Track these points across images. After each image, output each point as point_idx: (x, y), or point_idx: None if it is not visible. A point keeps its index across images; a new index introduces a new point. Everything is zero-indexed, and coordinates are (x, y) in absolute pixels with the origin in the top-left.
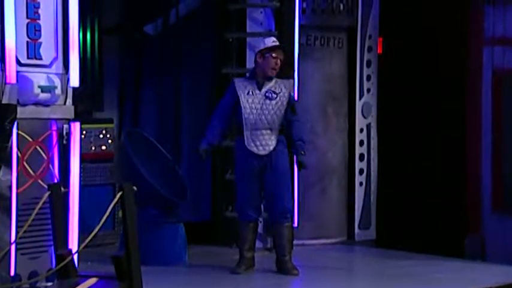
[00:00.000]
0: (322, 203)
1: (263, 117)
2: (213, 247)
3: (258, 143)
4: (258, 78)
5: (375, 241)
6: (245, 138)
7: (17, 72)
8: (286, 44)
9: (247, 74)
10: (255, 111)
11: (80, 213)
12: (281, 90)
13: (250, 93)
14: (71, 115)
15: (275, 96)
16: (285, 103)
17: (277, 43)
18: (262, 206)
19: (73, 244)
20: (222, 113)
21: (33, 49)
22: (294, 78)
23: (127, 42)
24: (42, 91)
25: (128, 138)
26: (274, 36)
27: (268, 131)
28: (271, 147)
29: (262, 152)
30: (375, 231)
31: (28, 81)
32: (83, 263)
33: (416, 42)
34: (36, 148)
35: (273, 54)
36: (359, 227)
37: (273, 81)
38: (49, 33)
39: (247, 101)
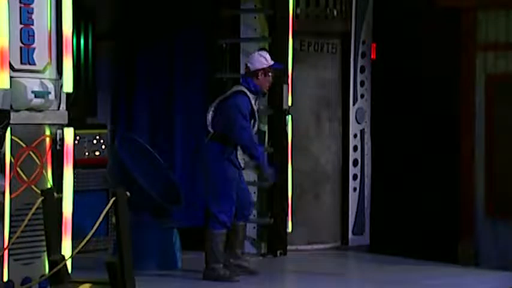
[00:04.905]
0: (316, 209)
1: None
2: None
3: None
4: (258, 94)
5: (369, 247)
6: (237, 150)
7: (11, 77)
8: (280, 50)
9: (248, 87)
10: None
11: (73, 219)
12: None
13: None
14: (65, 120)
15: None
16: None
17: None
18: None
19: (66, 250)
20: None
21: (26, 54)
22: (287, 84)
23: (120, 48)
24: (35, 96)
25: (121, 143)
26: (268, 42)
27: None
28: None
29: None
30: (369, 236)
31: (21, 87)
32: (76, 269)
33: (409, 47)
34: (29, 153)
35: (270, 74)
36: (353, 233)
37: None
38: (43, 38)
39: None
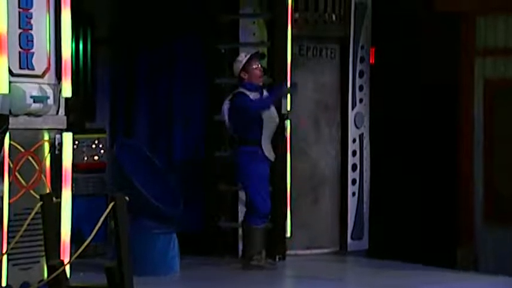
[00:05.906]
0: (315, 213)
1: (273, 124)
2: (205, 258)
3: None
4: (257, 89)
5: (368, 251)
6: (263, 146)
7: (9, 82)
8: (278, 54)
9: (246, 88)
10: (271, 119)
11: (72, 223)
12: None
13: None
14: (63, 125)
15: None
16: None
17: (249, 55)
18: None
19: (65, 255)
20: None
21: (25, 59)
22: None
23: (119, 53)
24: (34, 101)
25: (120, 148)
26: (266, 46)
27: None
28: None
29: (273, 158)
30: (368, 241)
31: (20, 92)
32: (75, 274)
33: (408, 52)
34: (28, 158)
35: (254, 66)
36: (352, 237)
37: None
38: (41, 43)
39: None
